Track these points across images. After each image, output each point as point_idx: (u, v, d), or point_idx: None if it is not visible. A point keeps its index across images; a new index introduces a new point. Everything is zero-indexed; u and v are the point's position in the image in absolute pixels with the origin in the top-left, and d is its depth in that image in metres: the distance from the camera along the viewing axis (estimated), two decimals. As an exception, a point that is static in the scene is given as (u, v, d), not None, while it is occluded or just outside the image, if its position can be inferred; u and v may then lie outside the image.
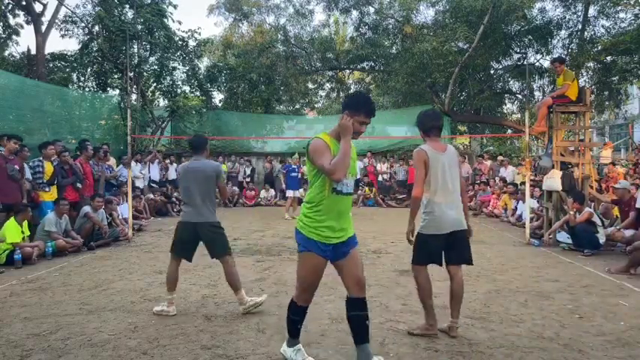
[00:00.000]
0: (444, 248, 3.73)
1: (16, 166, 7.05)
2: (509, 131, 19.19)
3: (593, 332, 3.79)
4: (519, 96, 20.13)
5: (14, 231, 6.49)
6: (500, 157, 15.14)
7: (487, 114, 20.46)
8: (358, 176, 12.33)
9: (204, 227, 4.31)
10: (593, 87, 17.42)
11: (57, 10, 15.61)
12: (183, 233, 4.38)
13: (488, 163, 15.23)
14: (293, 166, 12.37)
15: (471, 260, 3.82)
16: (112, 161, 11.02)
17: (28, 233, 6.84)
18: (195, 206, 4.32)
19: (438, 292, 4.91)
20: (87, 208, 7.93)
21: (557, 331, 3.83)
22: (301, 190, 12.87)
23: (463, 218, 3.76)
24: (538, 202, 9.76)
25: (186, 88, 17.93)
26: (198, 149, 4.56)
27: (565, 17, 17.61)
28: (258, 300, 4.36)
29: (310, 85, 24.37)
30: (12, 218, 6.62)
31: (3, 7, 15.54)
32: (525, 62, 17.48)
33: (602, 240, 7.10)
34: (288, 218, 11.55)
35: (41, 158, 7.83)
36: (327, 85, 25.91)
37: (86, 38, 15.40)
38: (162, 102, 18.78)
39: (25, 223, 6.79)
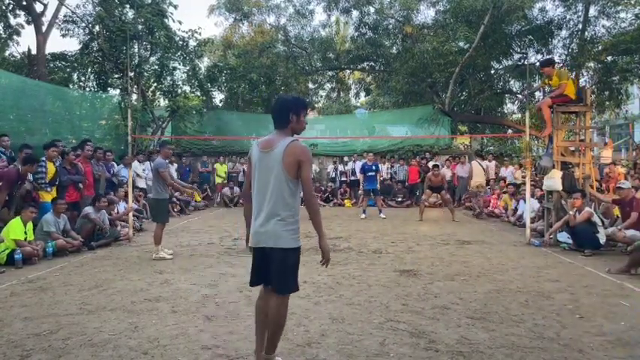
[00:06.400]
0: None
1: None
2: (510, 131, 19.18)
3: (594, 332, 3.79)
4: (520, 96, 20.13)
5: (18, 230, 6.51)
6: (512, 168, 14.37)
7: (487, 114, 20.45)
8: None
9: (150, 200, 7.76)
10: (593, 87, 17.43)
11: (57, 10, 15.60)
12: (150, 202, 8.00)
13: (493, 163, 15.19)
14: None
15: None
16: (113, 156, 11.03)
17: (32, 238, 6.80)
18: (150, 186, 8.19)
19: (438, 293, 4.94)
20: (88, 209, 7.93)
21: (557, 331, 3.82)
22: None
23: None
24: (540, 202, 9.74)
25: (187, 88, 17.91)
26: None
27: (566, 17, 17.61)
28: (166, 256, 6.74)
29: (311, 85, 24.37)
30: (18, 217, 6.64)
31: (4, 7, 15.54)
32: (526, 62, 17.49)
33: (602, 240, 7.09)
34: None
35: (44, 158, 7.83)
36: (328, 85, 25.93)
37: (87, 38, 15.38)
38: (162, 102, 18.76)
39: (30, 226, 6.78)
